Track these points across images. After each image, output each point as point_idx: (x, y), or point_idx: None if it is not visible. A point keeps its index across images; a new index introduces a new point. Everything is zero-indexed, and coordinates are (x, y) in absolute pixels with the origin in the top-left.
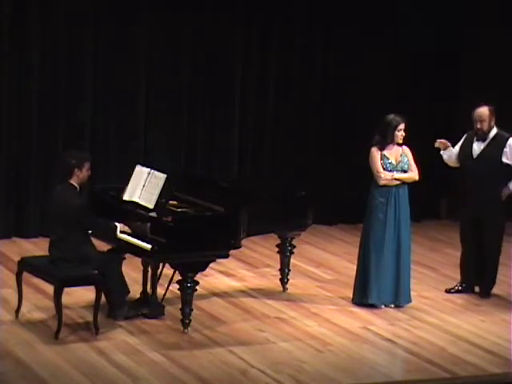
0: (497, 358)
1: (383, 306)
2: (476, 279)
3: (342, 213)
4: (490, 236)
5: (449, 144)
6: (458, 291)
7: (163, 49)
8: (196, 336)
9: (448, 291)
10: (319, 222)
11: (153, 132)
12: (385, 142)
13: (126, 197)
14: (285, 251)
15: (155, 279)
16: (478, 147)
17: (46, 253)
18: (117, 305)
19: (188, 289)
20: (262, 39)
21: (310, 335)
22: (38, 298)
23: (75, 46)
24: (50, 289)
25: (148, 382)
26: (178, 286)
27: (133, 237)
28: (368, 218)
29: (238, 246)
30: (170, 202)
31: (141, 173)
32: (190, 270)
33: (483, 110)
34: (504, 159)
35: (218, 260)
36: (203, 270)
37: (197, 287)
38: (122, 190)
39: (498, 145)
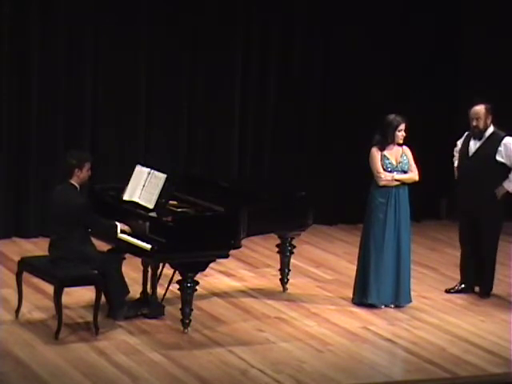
0: (497, 358)
1: (383, 306)
2: (476, 279)
3: (341, 213)
4: (488, 236)
5: None
6: (457, 291)
7: (163, 49)
8: (196, 336)
9: (448, 291)
10: (319, 222)
11: (153, 132)
12: (385, 142)
13: (125, 197)
14: (285, 251)
15: (155, 279)
16: (474, 145)
17: (46, 253)
18: (116, 305)
19: (188, 289)
20: (261, 39)
21: (310, 335)
22: (37, 298)
23: (75, 46)
24: (50, 289)
25: (148, 382)
26: (178, 286)
27: (133, 237)
28: (368, 218)
29: (238, 246)
30: (170, 202)
31: (141, 173)
32: (190, 270)
33: (479, 108)
34: (498, 157)
35: (218, 260)
36: (203, 270)
37: (197, 287)
38: (122, 190)
39: (493, 143)
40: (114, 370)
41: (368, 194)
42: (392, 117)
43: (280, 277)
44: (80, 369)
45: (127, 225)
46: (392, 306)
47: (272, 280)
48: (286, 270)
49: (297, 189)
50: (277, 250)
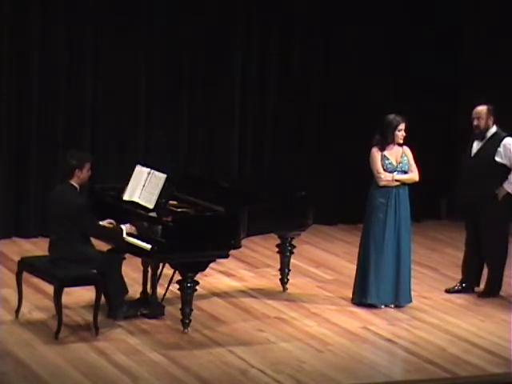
0: (497, 358)
1: (383, 306)
2: (476, 280)
3: (341, 213)
4: (490, 236)
5: None
6: (457, 291)
7: (163, 49)
8: (196, 336)
9: (448, 291)
10: (319, 221)
11: (153, 132)
12: (385, 142)
13: (126, 197)
14: (285, 251)
15: (155, 279)
16: (476, 146)
17: (46, 253)
18: (116, 305)
19: (188, 289)
20: (261, 39)
21: (310, 335)
22: (37, 298)
23: (75, 46)
24: (50, 289)
25: (148, 382)
26: (178, 286)
27: (133, 237)
28: (368, 218)
29: (238, 246)
30: (170, 201)
31: (141, 173)
32: (190, 270)
33: (481, 108)
34: (497, 158)
35: (218, 260)
36: (203, 270)
37: (197, 287)
38: (122, 190)
39: (493, 143)
40: (114, 370)
41: (368, 194)
42: (392, 117)
43: (280, 277)
44: (80, 369)
45: (134, 225)
46: (392, 306)
47: (272, 280)
48: (286, 270)
49: (297, 189)
50: (277, 250)
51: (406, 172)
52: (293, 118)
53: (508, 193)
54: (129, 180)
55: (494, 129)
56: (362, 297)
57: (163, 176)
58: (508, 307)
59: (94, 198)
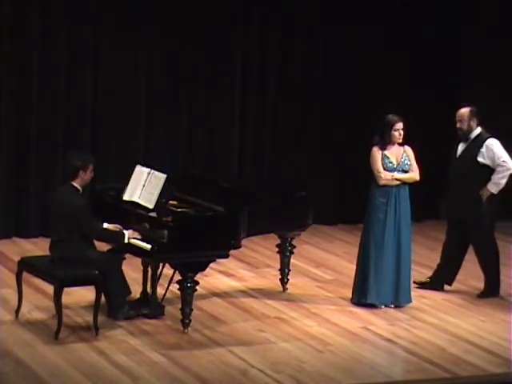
0: (497, 358)
1: (383, 306)
2: (449, 278)
3: (342, 213)
4: (477, 237)
5: None
6: (424, 284)
7: (163, 49)
8: (196, 336)
9: (414, 282)
10: (319, 222)
11: (153, 132)
12: (384, 141)
13: (126, 197)
14: (285, 251)
15: (155, 279)
16: (461, 148)
17: (46, 253)
18: (117, 305)
19: (188, 289)
20: (261, 39)
21: (310, 335)
22: (37, 298)
23: (75, 46)
24: (50, 289)
25: (148, 382)
26: (178, 286)
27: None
28: (368, 217)
29: (238, 246)
30: (170, 202)
31: (141, 173)
32: (190, 269)
33: (464, 111)
34: (480, 159)
35: (218, 260)
36: (203, 270)
37: (197, 287)
38: (122, 190)
39: (476, 145)
40: (114, 370)
41: (368, 194)
42: (389, 116)
43: (280, 277)
44: (80, 369)
45: (136, 230)
46: (392, 306)
47: (272, 280)
48: (286, 270)
49: (297, 189)
50: (277, 250)
51: (406, 172)
52: (293, 118)
53: (492, 193)
54: (129, 180)
55: (477, 130)
56: (361, 297)
57: (163, 176)
58: (508, 307)
59: (94, 198)
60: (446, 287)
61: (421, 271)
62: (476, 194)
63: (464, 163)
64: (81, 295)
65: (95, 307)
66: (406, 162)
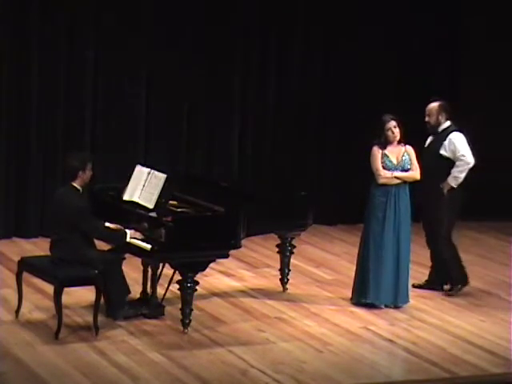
0: (497, 358)
1: (383, 306)
2: (443, 278)
3: (341, 213)
4: (435, 232)
5: None
6: (422, 286)
7: (163, 49)
8: (196, 336)
9: (413, 286)
10: (319, 221)
11: (153, 132)
12: (382, 141)
13: (125, 197)
14: (285, 251)
15: (155, 279)
16: (429, 141)
17: (46, 253)
18: (117, 305)
19: (188, 289)
20: (262, 39)
21: (310, 335)
22: (37, 298)
23: (75, 46)
24: (50, 289)
25: (148, 382)
26: (178, 286)
27: (135, 239)
28: (368, 217)
29: (238, 246)
30: (170, 202)
31: (141, 173)
32: (190, 269)
33: (432, 105)
34: (442, 151)
35: (218, 260)
36: (203, 270)
37: (197, 287)
38: (122, 190)
39: (441, 137)
40: (114, 370)
41: (368, 194)
42: (382, 117)
43: (280, 277)
44: (80, 369)
45: (138, 231)
46: (392, 305)
47: (272, 280)
48: (286, 270)
49: (297, 189)
50: (277, 250)
51: (407, 171)
52: (293, 118)
53: (452, 188)
54: (129, 180)
55: (446, 124)
56: (361, 297)
57: (163, 176)
58: (508, 307)
59: (94, 198)
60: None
61: (420, 271)
62: (438, 187)
63: (428, 156)
64: (81, 295)
65: (95, 307)
66: (406, 161)
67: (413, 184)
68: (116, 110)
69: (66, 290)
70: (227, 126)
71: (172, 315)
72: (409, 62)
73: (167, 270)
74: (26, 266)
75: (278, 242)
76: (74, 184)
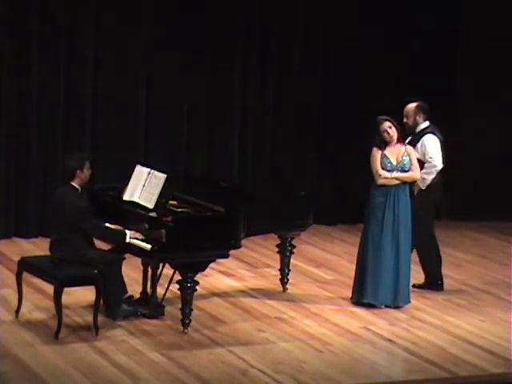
0: (497, 358)
1: (383, 306)
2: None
3: (342, 213)
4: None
5: None
6: (420, 286)
7: (163, 49)
8: (196, 336)
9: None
10: (319, 222)
11: (153, 132)
12: (380, 142)
13: (125, 197)
14: (285, 251)
15: (155, 279)
16: (407, 142)
17: (46, 253)
18: (114, 304)
19: (188, 289)
20: (262, 39)
21: (310, 335)
22: (37, 298)
23: (75, 46)
24: (50, 289)
25: (148, 382)
26: (178, 286)
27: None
28: (367, 217)
29: (238, 246)
30: (170, 202)
31: (141, 173)
32: (190, 269)
33: (410, 106)
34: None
35: (218, 260)
36: (203, 270)
37: (197, 287)
38: (122, 190)
39: (416, 138)
40: (114, 370)
41: (368, 194)
42: (377, 118)
43: (280, 277)
44: (80, 369)
45: (138, 231)
46: (392, 306)
47: (272, 280)
48: (286, 270)
49: (297, 189)
50: (277, 250)
51: (406, 171)
52: (293, 118)
53: (421, 190)
54: (129, 180)
55: (424, 125)
56: (360, 296)
57: (163, 176)
58: (508, 307)
59: (94, 198)
60: (446, 287)
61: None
62: (411, 188)
63: None
64: (81, 295)
65: (95, 307)
66: (406, 161)
67: (413, 184)
68: (116, 110)
69: (65, 289)
70: (227, 126)
71: (172, 315)
72: (409, 62)
73: (167, 270)
74: (26, 265)
75: (278, 242)
76: (73, 184)
